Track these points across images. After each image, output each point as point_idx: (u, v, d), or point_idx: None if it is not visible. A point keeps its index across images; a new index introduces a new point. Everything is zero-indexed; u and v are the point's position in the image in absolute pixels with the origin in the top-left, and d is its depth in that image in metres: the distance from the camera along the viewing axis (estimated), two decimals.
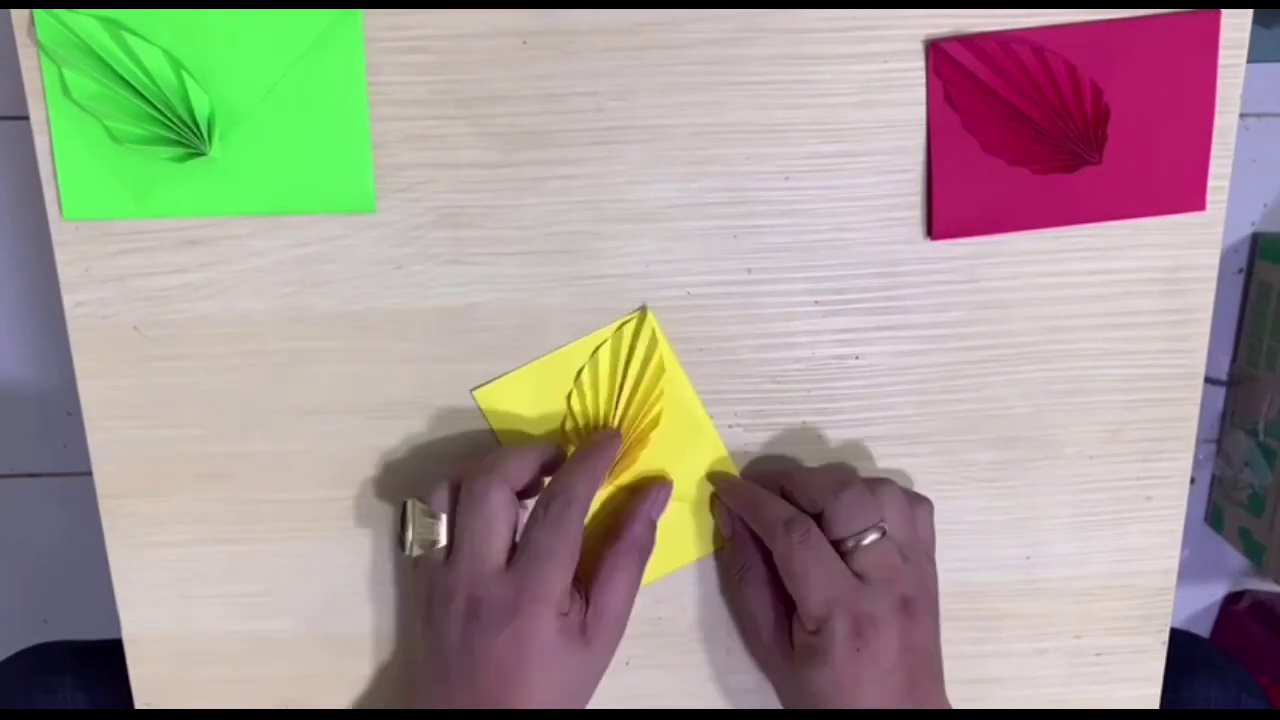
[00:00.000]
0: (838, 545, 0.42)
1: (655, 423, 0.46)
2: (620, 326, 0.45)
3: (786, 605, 0.44)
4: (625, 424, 0.45)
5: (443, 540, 0.42)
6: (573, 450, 0.45)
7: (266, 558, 0.47)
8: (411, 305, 0.45)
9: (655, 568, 0.47)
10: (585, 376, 0.45)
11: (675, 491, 0.47)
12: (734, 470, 0.47)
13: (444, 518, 0.42)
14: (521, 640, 0.40)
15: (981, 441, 0.48)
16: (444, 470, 0.43)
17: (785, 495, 0.44)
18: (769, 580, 0.45)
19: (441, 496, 0.42)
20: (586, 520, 0.43)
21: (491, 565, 0.41)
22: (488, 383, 0.45)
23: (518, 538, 0.42)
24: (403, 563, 0.48)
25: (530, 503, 0.43)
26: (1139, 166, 0.45)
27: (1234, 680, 0.59)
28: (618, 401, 0.45)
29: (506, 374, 0.45)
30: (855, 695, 0.41)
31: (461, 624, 0.40)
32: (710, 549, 0.48)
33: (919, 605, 0.42)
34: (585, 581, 0.43)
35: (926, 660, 0.42)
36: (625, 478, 0.47)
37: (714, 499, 0.47)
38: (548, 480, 0.44)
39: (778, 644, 0.44)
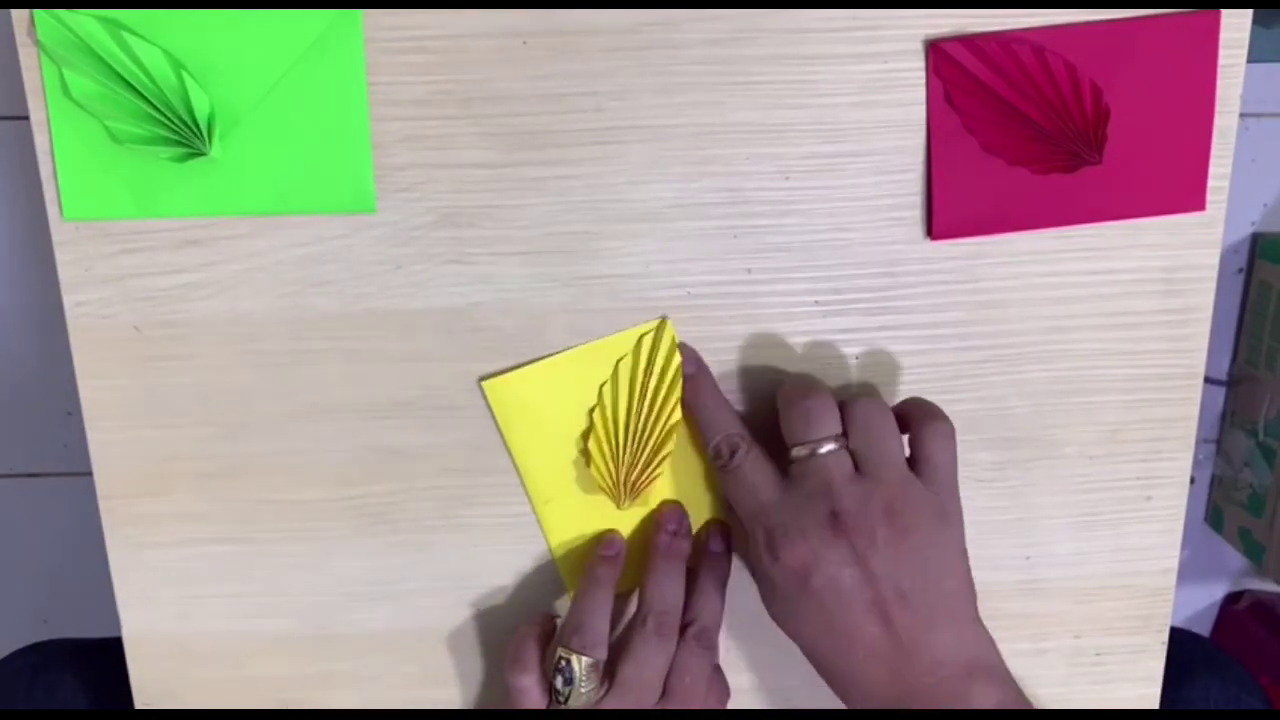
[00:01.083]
0: (786, 455, 0.42)
1: (675, 428, 0.45)
2: (640, 336, 0.45)
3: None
4: (643, 435, 0.45)
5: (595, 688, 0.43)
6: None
7: (266, 558, 0.47)
8: (411, 305, 0.45)
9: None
10: (606, 391, 0.45)
11: (692, 500, 0.47)
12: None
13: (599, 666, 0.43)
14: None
15: (981, 441, 0.48)
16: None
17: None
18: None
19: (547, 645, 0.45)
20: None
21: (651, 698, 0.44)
22: (497, 374, 0.45)
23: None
24: (403, 563, 0.48)
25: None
26: (1139, 166, 0.45)
27: (1234, 680, 0.59)
28: (638, 413, 0.45)
29: (516, 368, 0.45)
30: (804, 620, 0.41)
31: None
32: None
33: (850, 520, 0.40)
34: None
35: (894, 588, 0.39)
36: (650, 494, 0.47)
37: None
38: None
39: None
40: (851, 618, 0.40)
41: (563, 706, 0.42)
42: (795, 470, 0.42)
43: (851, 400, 0.42)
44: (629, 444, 0.45)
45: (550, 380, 0.45)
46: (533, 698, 0.43)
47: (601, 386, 0.45)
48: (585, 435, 0.46)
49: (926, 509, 0.40)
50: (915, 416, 0.43)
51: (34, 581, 1.17)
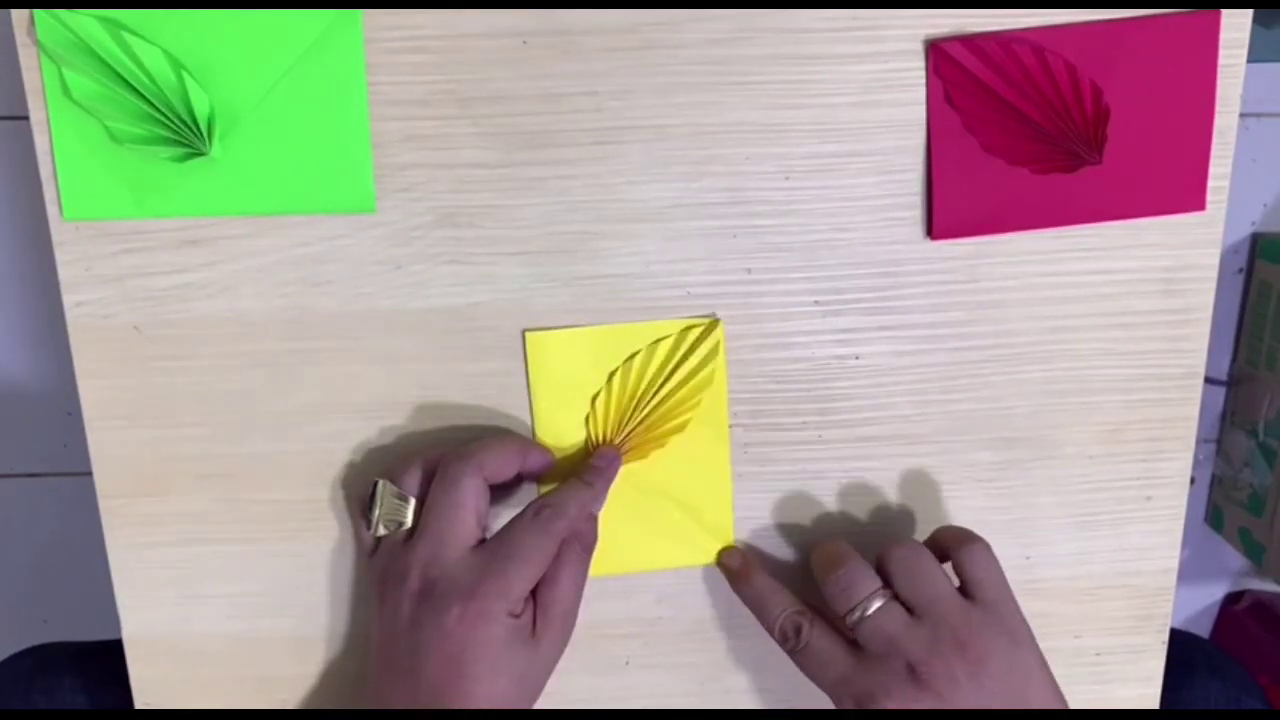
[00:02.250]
0: (842, 623, 0.43)
1: (680, 429, 0.46)
2: (687, 328, 0.45)
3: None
4: (649, 422, 0.45)
5: (409, 522, 0.42)
6: (591, 431, 0.46)
7: (266, 558, 0.47)
8: (411, 305, 0.45)
9: (646, 560, 0.48)
10: (637, 362, 0.45)
11: (682, 500, 0.47)
12: (729, 491, 0.47)
13: (413, 501, 0.42)
14: (470, 628, 0.39)
15: (981, 441, 0.48)
16: (419, 451, 0.44)
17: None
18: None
19: (414, 479, 0.43)
20: None
21: (454, 549, 0.41)
22: (542, 329, 0.45)
23: (486, 533, 0.42)
24: None
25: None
26: (1139, 166, 0.45)
27: (1234, 680, 0.59)
28: (653, 397, 0.45)
29: (565, 327, 0.45)
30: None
31: (414, 602, 0.40)
32: (708, 560, 0.48)
33: (926, 669, 0.40)
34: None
35: None
36: (630, 464, 0.47)
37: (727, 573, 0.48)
38: (540, 483, 0.44)
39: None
40: None
41: (375, 535, 0.43)
42: (858, 635, 0.42)
43: (885, 550, 0.43)
44: (632, 419, 0.45)
45: (591, 348, 0.45)
46: (361, 524, 0.44)
47: (633, 355, 0.45)
48: (596, 394, 0.45)
49: (994, 632, 0.41)
50: (951, 545, 0.43)
51: (34, 581, 1.17)
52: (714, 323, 0.45)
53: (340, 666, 0.49)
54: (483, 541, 0.42)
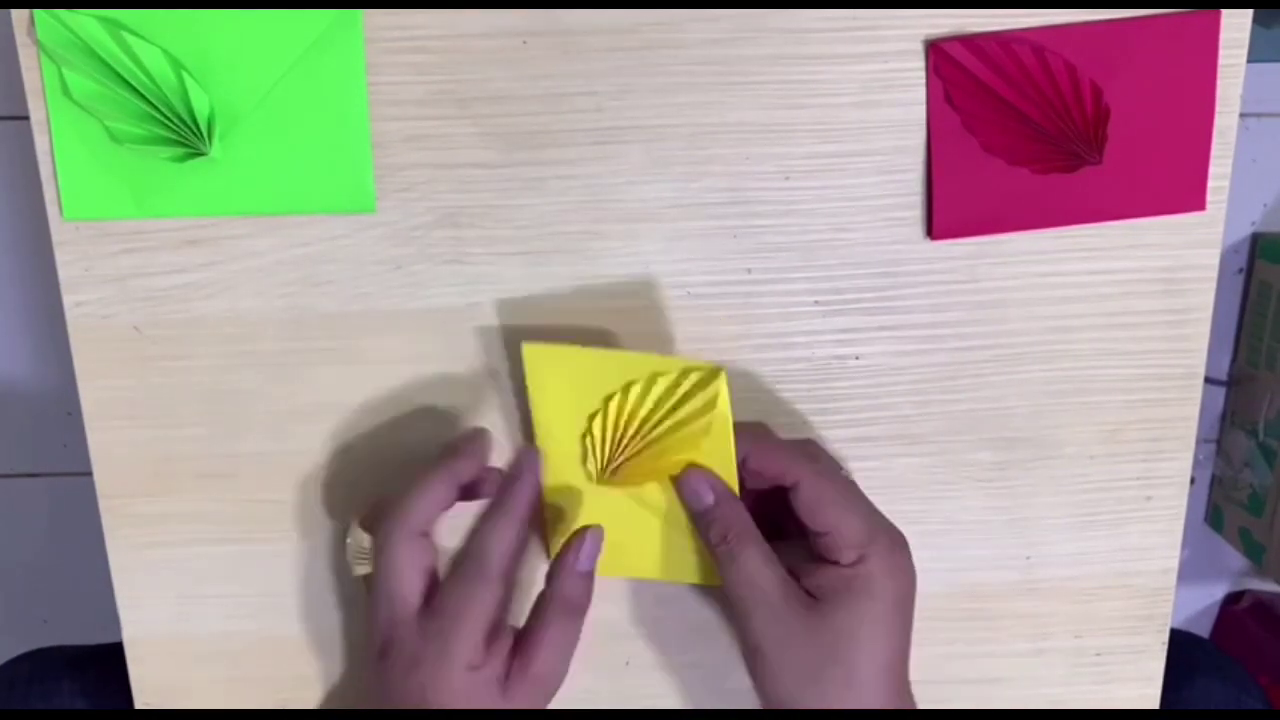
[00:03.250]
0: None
1: (675, 468, 0.43)
2: (687, 370, 0.41)
3: (786, 560, 0.42)
4: (642, 456, 0.43)
5: (370, 570, 0.43)
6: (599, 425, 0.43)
7: (266, 558, 0.47)
8: (411, 305, 0.45)
9: (648, 568, 0.46)
10: (634, 393, 0.42)
11: (684, 524, 0.44)
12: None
13: (371, 551, 0.43)
14: (425, 691, 0.40)
15: (981, 441, 0.48)
16: (386, 495, 0.43)
17: (754, 472, 0.43)
18: (760, 540, 0.42)
19: (378, 524, 0.43)
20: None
21: (402, 611, 0.41)
22: (541, 342, 0.42)
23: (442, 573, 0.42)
24: None
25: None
26: (1139, 166, 0.45)
27: (1235, 681, 0.59)
28: (649, 431, 0.42)
29: (565, 344, 0.42)
30: (889, 625, 0.40)
31: (376, 660, 0.41)
32: (706, 580, 0.46)
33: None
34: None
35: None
36: (627, 478, 0.44)
37: (678, 480, 0.43)
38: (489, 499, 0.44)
39: (792, 601, 0.41)
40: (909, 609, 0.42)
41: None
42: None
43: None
44: (626, 448, 0.43)
45: (586, 369, 0.42)
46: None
47: (630, 385, 0.42)
48: (594, 414, 0.43)
49: None
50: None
51: (34, 582, 1.17)
52: (715, 370, 0.41)
53: (340, 667, 0.49)
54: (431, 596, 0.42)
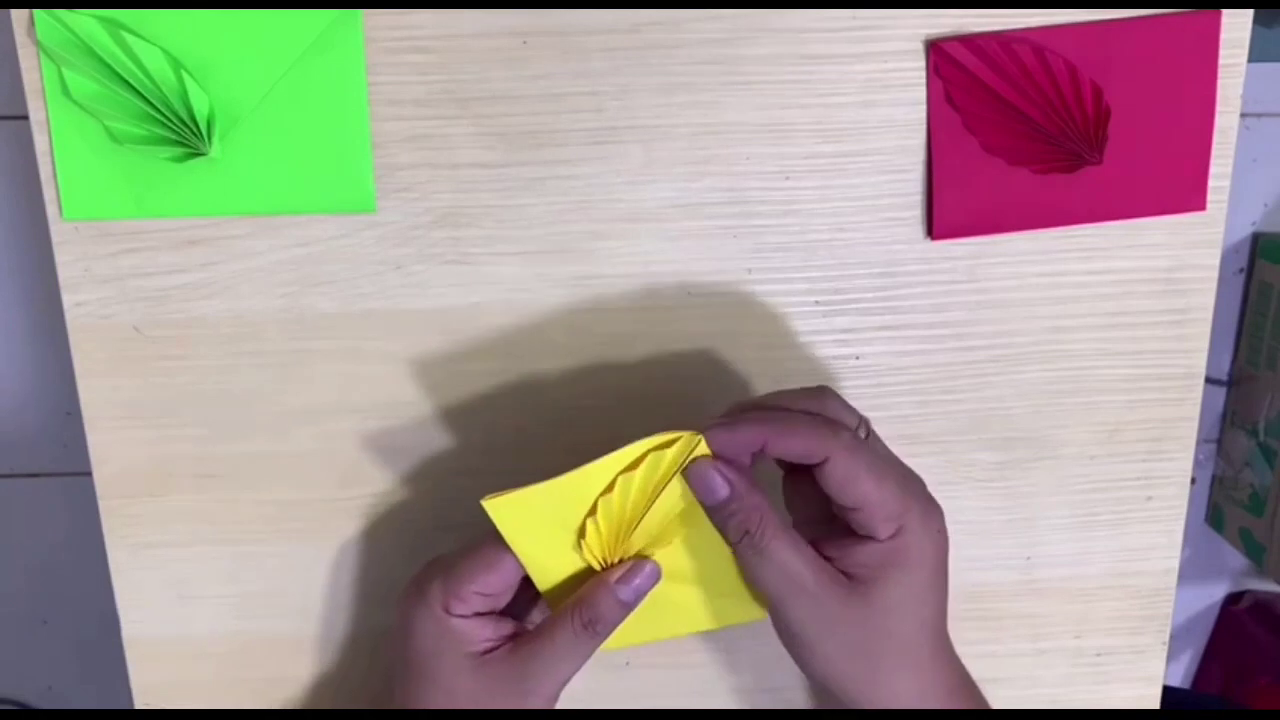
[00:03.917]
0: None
1: (665, 544, 0.40)
2: (666, 445, 0.38)
3: (815, 542, 0.39)
4: (646, 537, 0.40)
5: None
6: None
7: (266, 558, 0.47)
8: (411, 305, 0.45)
9: (685, 624, 0.43)
10: (615, 498, 0.38)
11: (698, 579, 0.41)
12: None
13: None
14: (406, 620, 0.41)
15: (981, 441, 0.48)
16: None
17: (775, 458, 0.40)
18: (788, 527, 0.39)
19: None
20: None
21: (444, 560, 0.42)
22: (499, 494, 0.38)
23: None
24: (402, 563, 0.48)
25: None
26: (1139, 166, 0.45)
27: None
28: (638, 522, 0.39)
29: (520, 489, 0.38)
30: (932, 590, 0.39)
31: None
32: (734, 620, 0.43)
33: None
34: None
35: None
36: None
37: (687, 472, 0.39)
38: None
39: (831, 585, 0.38)
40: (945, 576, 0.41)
41: None
42: (882, 448, 0.41)
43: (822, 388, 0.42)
44: (628, 544, 0.40)
45: (556, 500, 0.39)
46: None
47: (610, 488, 0.38)
48: (582, 536, 0.40)
49: None
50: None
51: (34, 582, 1.17)
52: (692, 439, 0.38)
53: (341, 667, 0.49)
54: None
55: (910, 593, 0.38)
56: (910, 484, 0.39)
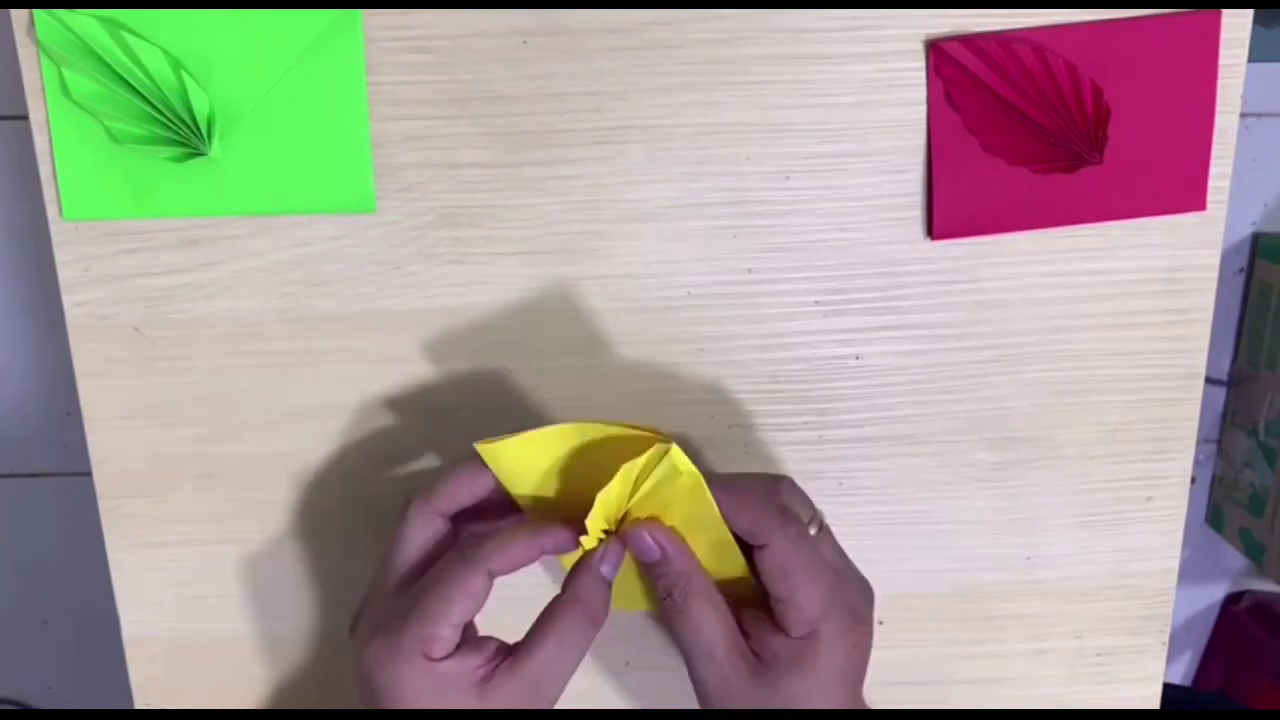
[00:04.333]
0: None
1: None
2: (640, 447, 0.38)
3: (737, 616, 0.41)
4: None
5: None
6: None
7: (266, 558, 0.47)
8: (411, 305, 0.45)
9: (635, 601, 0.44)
10: (611, 494, 0.39)
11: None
12: (742, 566, 0.41)
13: None
14: (380, 667, 0.38)
15: (981, 441, 0.48)
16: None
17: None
18: (711, 594, 0.40)
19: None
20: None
21: (387, 583, 0.40)
22: (493, 440, 0.39)
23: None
24: None
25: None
26: (1139, 166, 0.45)
27: None
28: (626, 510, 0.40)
29: (515, 434, 0.39)
30: (835, 692, 0.39)
31: (351, 634, 0.41)
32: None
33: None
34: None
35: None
36: None
37: (625, 534, 0.41)
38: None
39: (737, 660, 0.40)
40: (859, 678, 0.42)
41: None
42: (825, 547, 0.42)
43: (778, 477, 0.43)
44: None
45: (544, 449, 0.40)
46: None
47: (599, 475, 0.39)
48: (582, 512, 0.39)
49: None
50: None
51: (34, 582, 1.17)
52: (664, 449, 0.38)
53: (341, 667, 0.49)
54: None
55: (808, 689, 0.39)
56: (844, 592, 0.40)
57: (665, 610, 0.40)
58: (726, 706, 0.40)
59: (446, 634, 0.38)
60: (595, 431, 0.39)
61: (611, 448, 0.39)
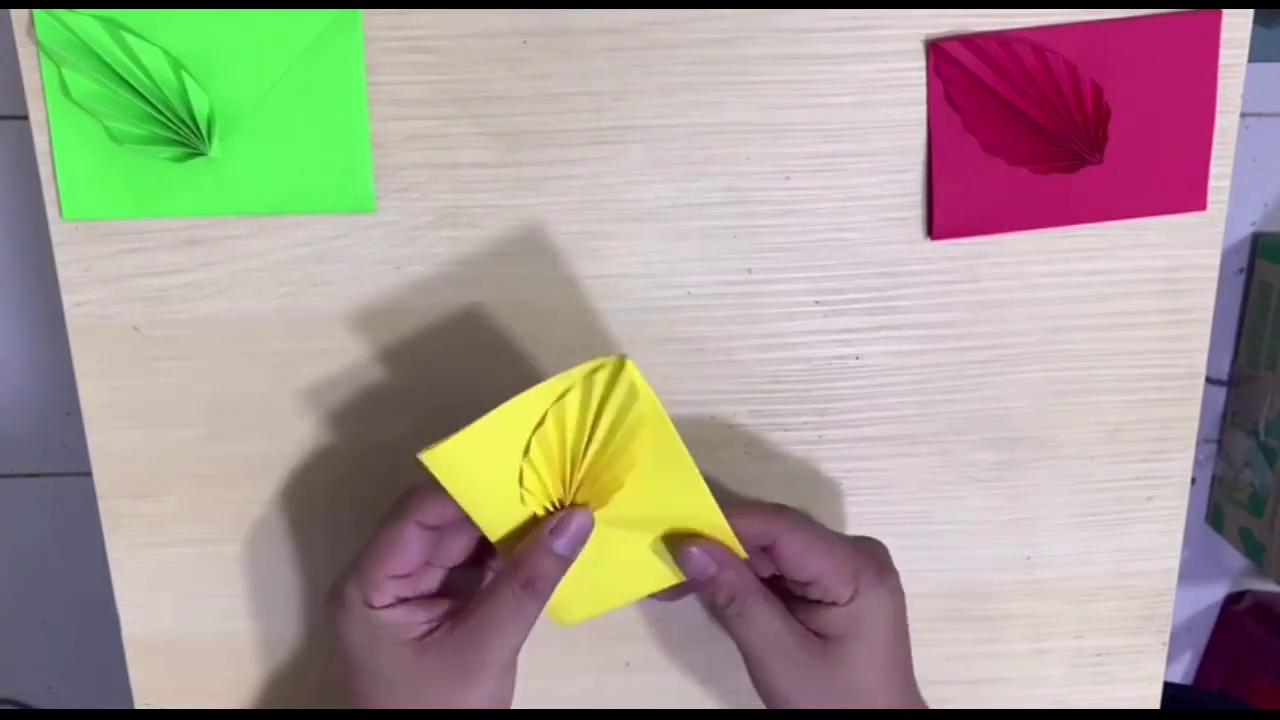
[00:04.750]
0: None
1: (617, 485, 0.39)
2: (593, 372, 0.37)
3: (793, 609, 0.42)
4: (591, 474, 0.39)
5: None
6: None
7: (266, 558, 0.47)
8: (411, 305, 0.45)
9: (647, 584, 0.43)
10: (550, 425, 0.38)
11: (665, 524, 0.41)
12: (714, 508, 0.40)
13: None
14: (334, 624, 0.41)
15: (981, 441, 0.48)
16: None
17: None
18: (765, 590, 0.41)
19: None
20: None
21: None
22: (436, 444, 0.37)
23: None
24: None
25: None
26: (1139, 166, 0.45)
27: None
28: (585, 450, 0.38)
29: (455, 434, 0.37)
30: (898, 639, 0.42)
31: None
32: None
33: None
34: None
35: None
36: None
37: (679, 558, 0.41)
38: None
39: (809, 645, 0.41)
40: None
41: None
42: None
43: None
44: (572, 478, 0.39)
45: (492, 438, 0.38)
46: None
47: (542, 420, 0.38)
48: (521, 475, 0.39)
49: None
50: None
51: (34, 581, 1.17)
52: (619, 363, 0.37)
53: (340, 667, 0.49)
54: None
55: (881, 648, 0.41)
56: (859, 549, 0.42)
57: (724, 618, 0.42)
58: (800, 695, 0.41)
59: (384, 582, 0.40)
60: (541, 397, 0.37)
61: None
